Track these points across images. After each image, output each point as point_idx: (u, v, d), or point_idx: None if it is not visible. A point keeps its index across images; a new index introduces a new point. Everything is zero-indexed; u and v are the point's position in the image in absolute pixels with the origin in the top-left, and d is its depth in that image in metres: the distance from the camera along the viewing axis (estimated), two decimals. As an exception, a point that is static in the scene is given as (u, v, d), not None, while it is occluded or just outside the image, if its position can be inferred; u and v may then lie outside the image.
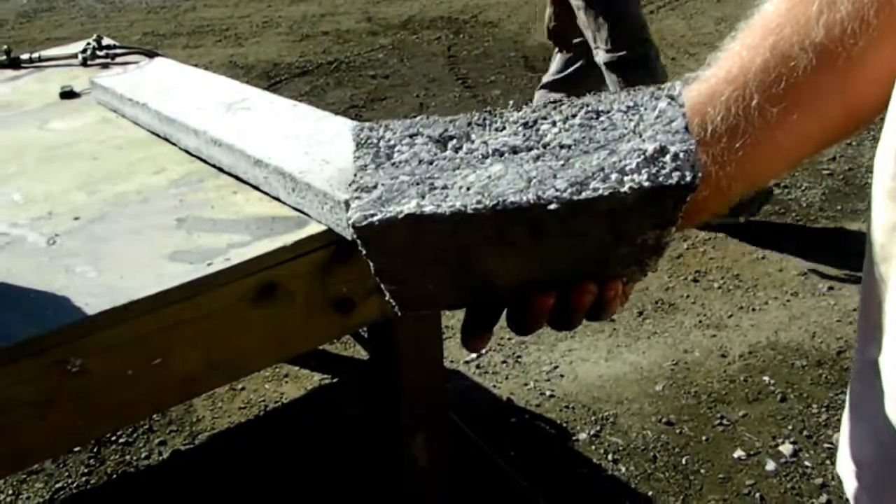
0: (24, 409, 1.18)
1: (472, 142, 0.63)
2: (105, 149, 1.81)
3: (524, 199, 0.57)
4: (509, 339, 2.86)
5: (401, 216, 0.58)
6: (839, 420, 2.38)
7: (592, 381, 2.65)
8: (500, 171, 0.60)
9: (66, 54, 2.46)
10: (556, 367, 2.72)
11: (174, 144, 1.77)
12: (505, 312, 0.74)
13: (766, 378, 2.60)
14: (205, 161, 1.68)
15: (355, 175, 0.62)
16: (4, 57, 2.46)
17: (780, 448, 2.33)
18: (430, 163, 0.62)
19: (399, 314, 0.75)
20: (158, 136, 1.82)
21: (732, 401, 2.52)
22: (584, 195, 0.57)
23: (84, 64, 2.39)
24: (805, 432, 2.38)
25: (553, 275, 0.68)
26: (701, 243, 3.33)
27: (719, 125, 0.75)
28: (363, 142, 0.64)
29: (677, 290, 3.07)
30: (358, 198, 0.60)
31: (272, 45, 6.24)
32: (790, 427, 2.40)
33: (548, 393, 2.61)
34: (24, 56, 2.47)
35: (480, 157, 0.61)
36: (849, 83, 0.76)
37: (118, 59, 2.39)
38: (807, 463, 2.28)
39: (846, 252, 3.22)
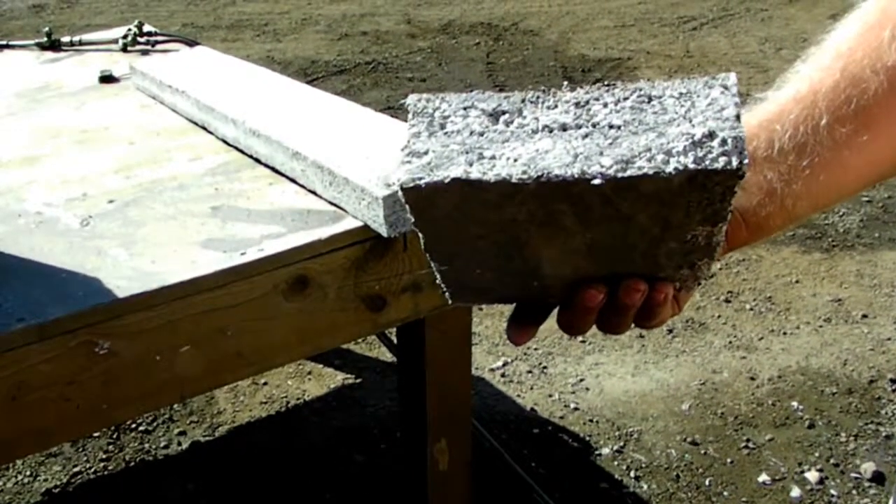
0: (51, 388, 1.17)
1: (524, 117, 0.64)
2: (142, 134, 1.79)
3: (569, 172, 0.59)
4: (535, 349, 2.84)
5: (447, 180, 0.60)
6: (868, 450, 2.35)
7: (618, 396, 2.62)
8: (548, 146, 0.61)
9: (107, 39, 2.45)
10: (581, 380, 2.69)
11: (211, 133, 1.75)
12: (555, 312, 0.75)
13: (794, 403, 2.56)
14: (241, 151, 1.66)
15: (408, 141, 0.64)
16: (46, 39, 2.45)
17: (806, 475, 2.29)
18: (481, 134, 0.64)
19: (451, 302, 0.76)
20: (196, 124, 1.80)
21: (759, 424, 2.48)
22: (628, 173, 0.58)
23: (124, 49, 2.37)
24: (832, 460, 2.34)
25: (601, 268, 0.69)
26: (734, 264, 3.29)
27: (787, 143, 0.75)
28: (419, 111, 0.66)
29: (708, 309, 3.03)
30: (408, 162, 0.62)
31: (310, 43, 6.24)
32: (817, 454, 2.37)
33: (572, 405, 2.58)
34: (65, 39, 2.47)
35: (530, 131, 0.63)
36: None
37: (158, 47, 2.38)
38: (833, 492, 2.24)
39: (882, 280, 3.17)
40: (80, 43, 2.45)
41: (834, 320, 2.95)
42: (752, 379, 2.67)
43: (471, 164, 0.61)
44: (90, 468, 2.38)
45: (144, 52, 2.36)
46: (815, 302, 3.06)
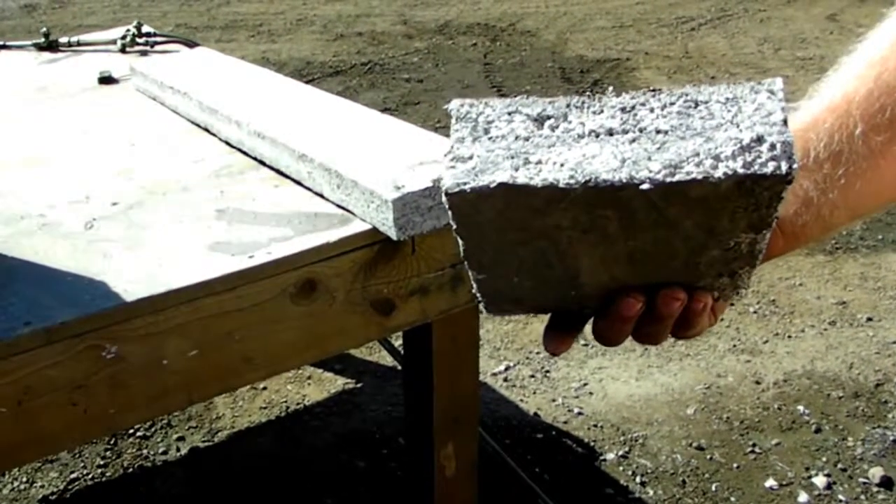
0: (58, 393, 1.14)
1: (570, 122, 0.63)
2: (143, 136, 1.77)
3: (617, 177, 0.58)
4: (537, 353, 2.81)
5: (493, 185, 0.59)
6: (875, 454, 2.32)
7: (622, 401, 2.59)
8: (594, 151, 0.60)
9: (105, 40, 2.42)
10: (585, 385, 2.66)
11: (214, 135, 1.73)
12: (590, 323, 0.74)
13: (800, 407, 2.54)
14: (245, 153, 1.64)
15: (452, 146, 0.63)
16: (43, 39, 2.42)
17: (814, 480, 2.27)
18: (527, 139, 0.63)
19: (485, 312, 0.75)
20: (198, 125, 1.78)
21: (765, 429, 2.46)
22: (677, 178, 0.57)
23: (123, 50, 2.35)
24: (840, 465, 2.32)
25: (640, 276, 0.68)
26: (736, 266, 3.27)
27: (822, 151, 0.73)
28: (462, 116, 0.65)
29: (711, 312, 3.00)
30: (452, 167, 0.61)
31: (306, 44, 6.21)
32: (824, 459, 2.34)
33: (576, 410, 2.56)
34: (63, 39, 2.44)
35: (576, 136, 0.62)
36: None
37: (157, 48, 2.36)
38: (841, 497, 2.22)
39: (887, 283, 3.16)
40: (78, 43, 2.42)
41: (839, 323, 2.93)
42: (758, 383, 2.65)
43: (517, 169, 0.60)
44: (87, 474, 2.35)
45: (143, 53, 2.33)
46: (819, 305, 3.04)
